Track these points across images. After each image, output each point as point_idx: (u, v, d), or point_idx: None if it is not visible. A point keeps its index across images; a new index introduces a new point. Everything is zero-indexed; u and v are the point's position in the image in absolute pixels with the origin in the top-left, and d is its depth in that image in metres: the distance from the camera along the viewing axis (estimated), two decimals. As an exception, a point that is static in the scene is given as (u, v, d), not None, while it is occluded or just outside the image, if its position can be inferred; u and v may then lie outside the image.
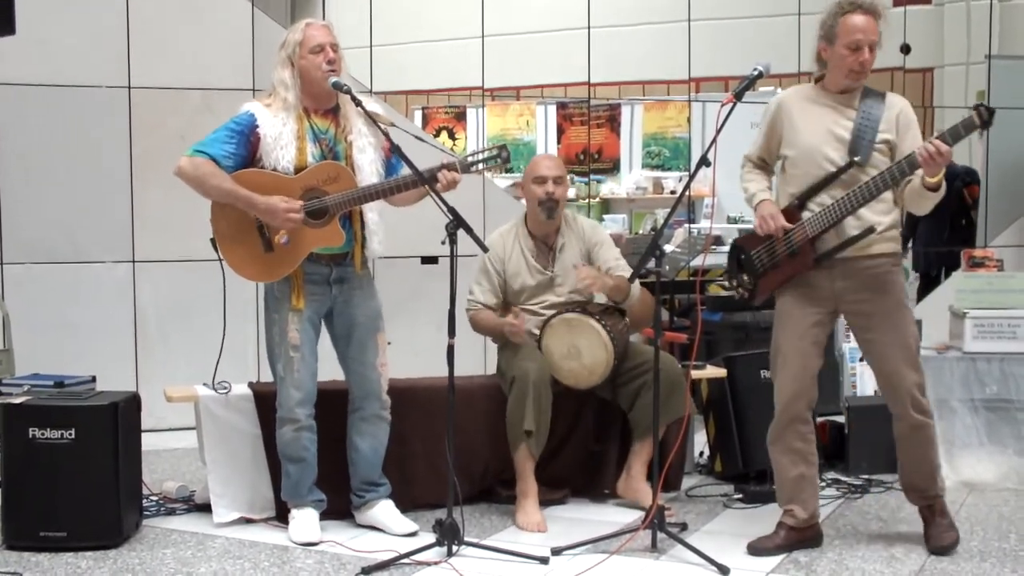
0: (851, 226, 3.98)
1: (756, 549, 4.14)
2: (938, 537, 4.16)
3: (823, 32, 4.04)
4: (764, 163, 4.30)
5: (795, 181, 4.08)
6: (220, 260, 4.22)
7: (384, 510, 4.39)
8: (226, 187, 4.09)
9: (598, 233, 4.91)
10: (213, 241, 4.20)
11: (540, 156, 5.09)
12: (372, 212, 4.29)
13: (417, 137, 4.45)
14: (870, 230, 3.94)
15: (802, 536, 4.17)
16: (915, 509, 4.36)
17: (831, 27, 3.99)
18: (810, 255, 4.02)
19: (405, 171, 4.16)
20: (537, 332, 4.71)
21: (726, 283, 4.28)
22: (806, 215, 4.04)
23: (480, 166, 4.24)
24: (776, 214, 4.07)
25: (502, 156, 4.24)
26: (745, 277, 4.29)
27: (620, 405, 4.78)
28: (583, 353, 4.61)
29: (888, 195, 4.00)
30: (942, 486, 4.26)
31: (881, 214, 4.00)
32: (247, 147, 4.16)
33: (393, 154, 4.24)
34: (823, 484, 5.04)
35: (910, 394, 4.07)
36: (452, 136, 11.88)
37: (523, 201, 5.01)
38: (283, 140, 4.15)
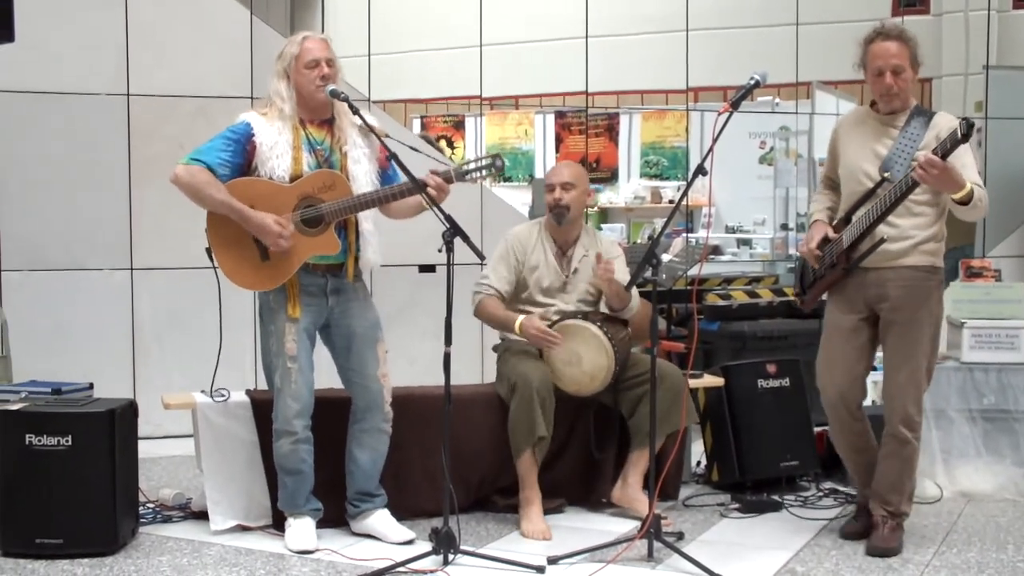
0: (888, 238, 4.14)
1: (847, 533, 4.41)
2: (880, 540, 4.23)
3: (858, 60, 4.25)
4: (833, 183, 4.50)
5: (845, 198, 4.33)
6: (215, 268, 4.22)
7: (380, 519, 4.38)
8: (221, 198, 4.10)
9: (614, 250, 4.96)
10: (208, 250, 4.20)
11: (558, 163, 5.14)
12: (367, 222, 4.29)
13: (412, 147, 4.46)
14: (880, 242, 4.12)
15: None
16: (910, 522, 4.38)
17: (862, 56, 4.22)
18: (842, 265, 4.24)
19: (400, 181, 4.18)
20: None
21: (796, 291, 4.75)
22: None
23: (475, 175, 4.25)
24: (811, 237, 4.35)
25: (496, 165, 4.27)
26: (803, 285, 4.56)
27: (621, 411, 4.79)
28: (584, 359, 4.62)
29: (927, 209, 4.16)
30: (905, 509, 4.31)
31: (917, 228, 4.17)
32: (243, 156, 4.17)
33: (390, 163, 4.25)
34: (820, 494, 5.05)
35: (902, 406, 4.22)
36: (451, 145, 11.90)
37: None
38: (279, 149, 4.16)
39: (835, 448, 4.54)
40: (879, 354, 4.44)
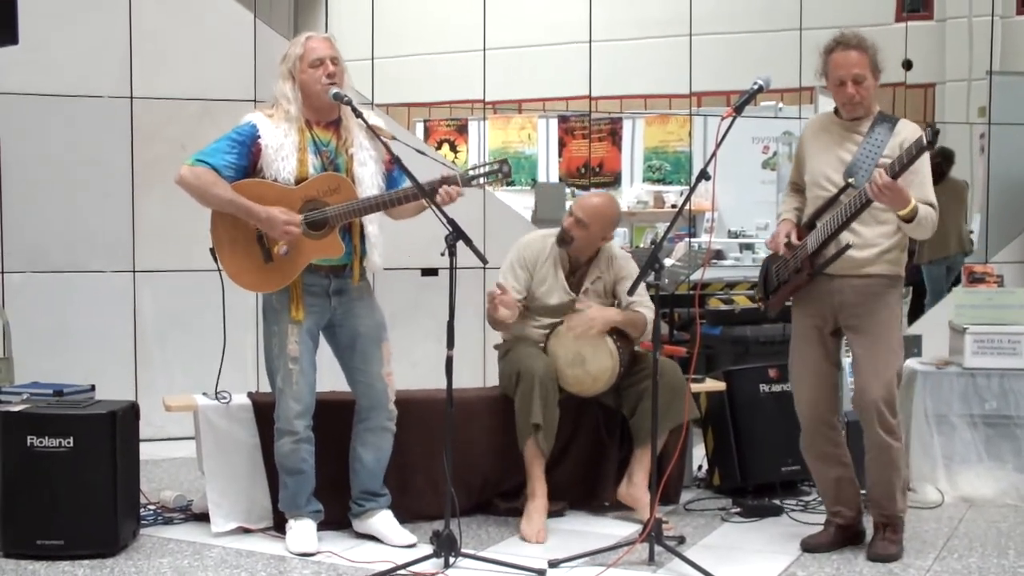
0: (853, 246, 4.11)
1: (810, 546, 4.32)
2: (880, 546, 4.23)
3: (819, 70, 4.24)
4: (799, 187, 4.46)
5: (809, 203, 4.30)
6: (219, 270, 4.22)
7: (383, 520, 4.38)
8: (227, 197, 4.10)
9: (628, 267, 4.87)
10: (212, 251, 4.21)
11: (591, 195, 5.09)
12: (372, 225, 4.29)
13: (418, 150, 4.45)
14: (845, 248, 4.08)
15: (849, 533, 4.36)
16: (911, 527, 4.39)
17: (822, 65, 4.21)
18: (807, 270, 4.20)
19: (407, 184, 4.17)
20: (542, 344, 4.72)
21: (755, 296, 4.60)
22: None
23: (481, 180, 4.24)
24: (779, 232, 4.33)
25: (503, 171, 4.25)
26: (766, 290, 4.49)
27: (622, 410, 4.79)
28: (588, 360, 4.62)
29: (892, 217, 4.10)
30: (903, 508, 4.30)
31: (882, 236, 4.15)
32: (248, 157, 4.17)
33: (395, 167, 4.25)
34: (820, 499, 5.03)
35: (876, 411, 4.17)
36: (454, 149, 11.90)
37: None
38: (284, 151, 4.16)
39: (806, 461, 4.45)
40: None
